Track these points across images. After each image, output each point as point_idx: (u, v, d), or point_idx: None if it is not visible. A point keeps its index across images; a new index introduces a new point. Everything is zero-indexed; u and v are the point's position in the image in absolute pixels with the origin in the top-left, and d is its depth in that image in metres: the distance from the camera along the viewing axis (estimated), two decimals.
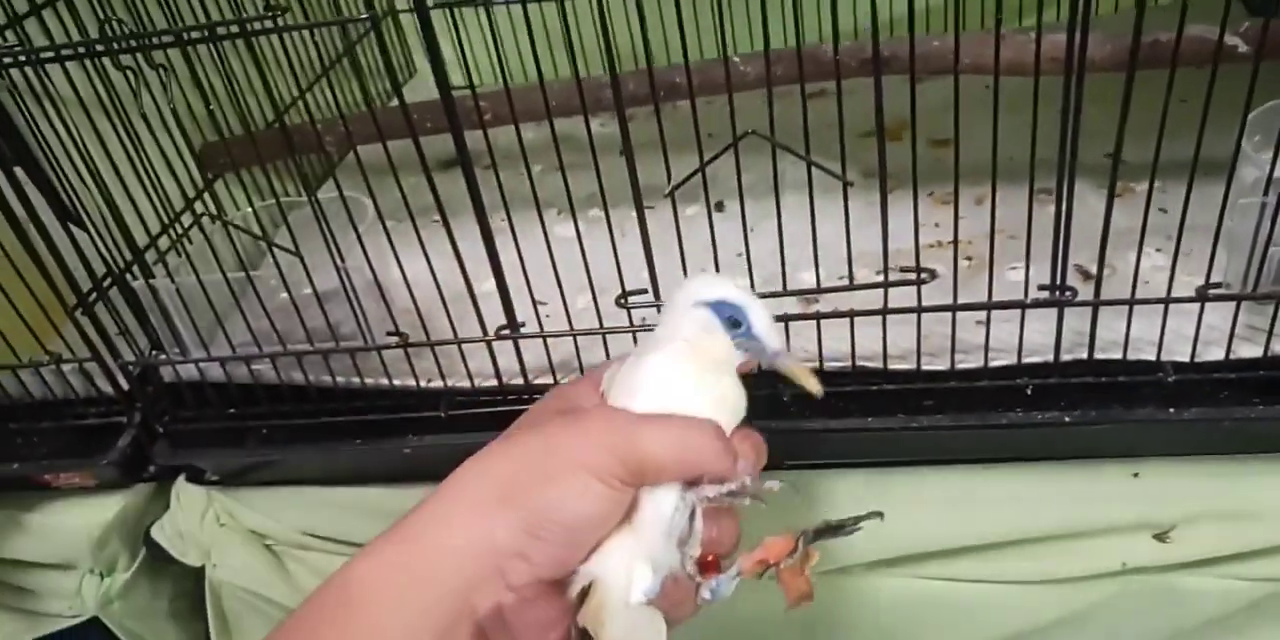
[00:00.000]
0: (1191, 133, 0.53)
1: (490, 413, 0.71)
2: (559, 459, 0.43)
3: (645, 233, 0.62)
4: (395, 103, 0.65)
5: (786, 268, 0.63)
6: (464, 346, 0.70)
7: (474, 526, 0.42)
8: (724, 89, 0.61)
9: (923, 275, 0.61)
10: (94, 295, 0.71)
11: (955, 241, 0.62)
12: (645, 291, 0.63)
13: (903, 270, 0.60)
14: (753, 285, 0.62)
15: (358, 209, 0.72)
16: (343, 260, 0.67)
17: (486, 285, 0.66)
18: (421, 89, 1.24)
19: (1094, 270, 0.72)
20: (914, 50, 0.58)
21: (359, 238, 0.68)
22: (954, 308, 0.64)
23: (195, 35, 0.60)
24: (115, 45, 0.60)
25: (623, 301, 0.64)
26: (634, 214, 0.60)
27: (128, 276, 0.71)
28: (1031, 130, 0.55)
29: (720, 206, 0.80)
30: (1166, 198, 0.60)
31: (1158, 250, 0.71)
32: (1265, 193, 0.57)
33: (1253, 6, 1.11)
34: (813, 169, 0.57)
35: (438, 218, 0.62)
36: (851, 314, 0.65)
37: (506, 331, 0.68)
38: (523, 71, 1.08)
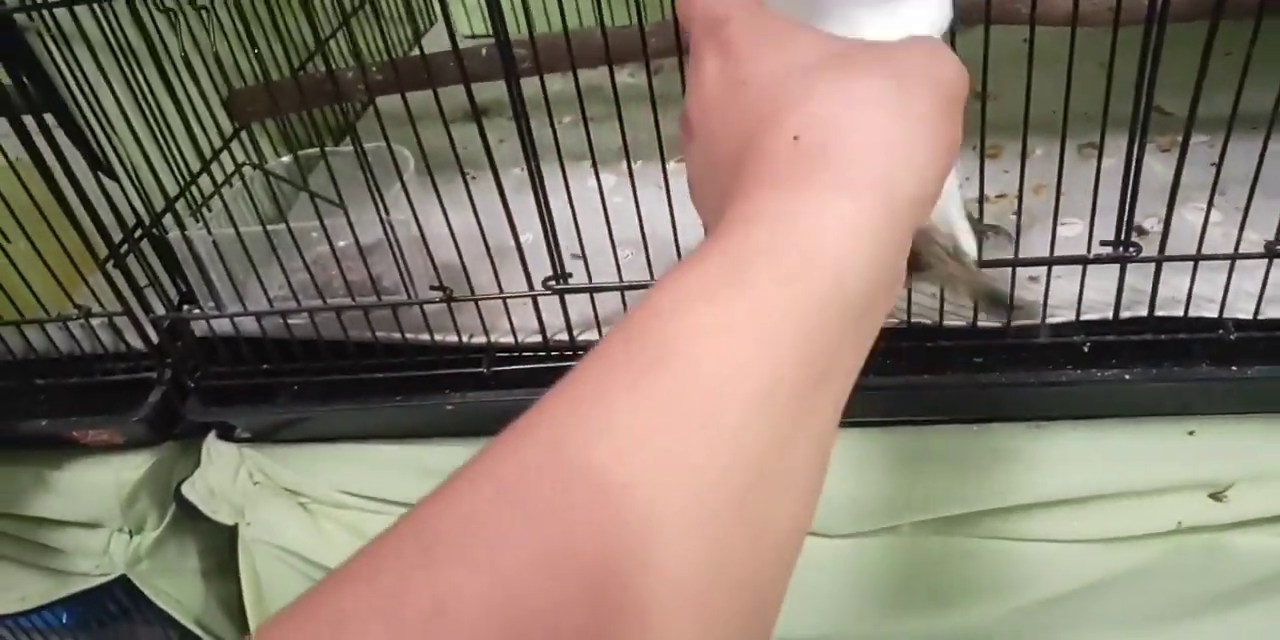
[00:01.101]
0: (1232, 86, 0.52)
1: (533, 369, 0.70)
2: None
3: (668, 188, 0.60)
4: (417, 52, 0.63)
5: None
6: (509, 301, 0.69)
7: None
8: None
9: (988, 233, 0.60)
10: (125, 246, 0.70)
11: (1021, 193, 0.61)
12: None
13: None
14: None
15: (399, 159, 0.70)
16: (387, 211, 0.65)
17: (528, 237, 0.65)
18: (436, 39, 1.22)
19: (1148, 227, 0.72)
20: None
21: (405, 188, 0.67)
22: (1014, 263, 0.63)
23: None
24: None
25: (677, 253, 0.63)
26: (670, 164, 0.59)
27: (160, 227, 0.69)
28: (1066, 83, 0.53)
29: None
30: (1214, 151, 0.59)
31: (1210, 206, 0.70)
32: None
33: None
34: None
35: (470, 171, 0.60)
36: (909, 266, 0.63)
37: (553, 283, 0.67)
38: (546, 21, 1.07)
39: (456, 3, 1.20)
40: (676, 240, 0.62)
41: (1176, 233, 0.60)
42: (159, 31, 0.62)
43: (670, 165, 0.60)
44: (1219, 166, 0.57)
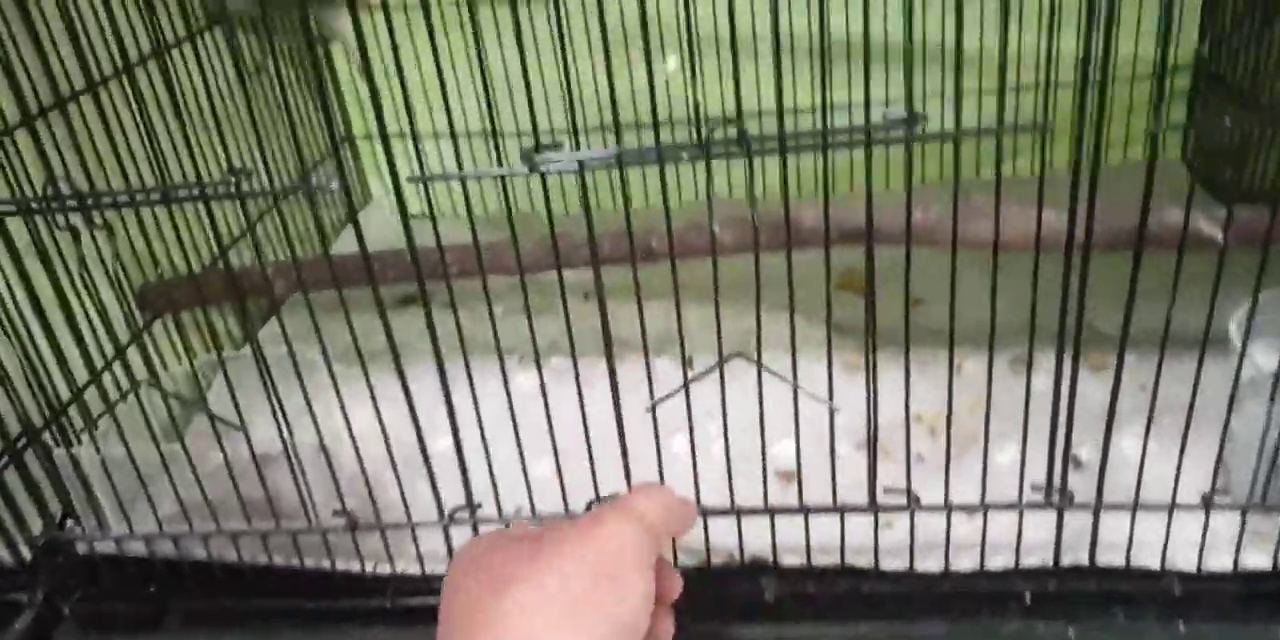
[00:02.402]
0: (1159, 299, 0.52)
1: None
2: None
3: (616, 388, 0.57)
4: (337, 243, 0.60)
5: (765, 442, 0.59)
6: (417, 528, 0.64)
7: None
8: (703, 253, 0.58)
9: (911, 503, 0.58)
10: (4, 458, 0.65)
11: (948, 433, 0.58)
12: (612, 496, 0.59)
13: (887, 491, 0.58)
14: (729, 456, 0.59)
15: (305, 362, 0.67)
16: (288, 426, 0.62)
17: (443, 444, 0.60)
18: (375, 216, 1.21)
19: (1082, 455, 0.70)
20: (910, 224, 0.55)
21: (307, 399, 0.63)
22: (947, 508, 0.60)
23: (148, 198, 0.56)
24: (56, 205, 0.55)
25: (593, 504, 0.60)
26: (603, 365, 0.57)
27: (52, 434, 0.65)
28: (992, 296, 0.52)
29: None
30: (1144, 370, 0.57)
31: (1147, 435, 0.68)
32: (1272, 397, 0.54)
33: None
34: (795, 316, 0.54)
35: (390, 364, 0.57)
36: (841, 509, 0.60)
37: (463, 514, 0.63)
38: (482, 205, 1.06)
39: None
40: (624, 444, 0.59)
41: (1114, 464, 0.58)
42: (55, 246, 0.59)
43: (603, 366, 0.57)
44: (1154, 391, 0.55)
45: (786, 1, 1.04)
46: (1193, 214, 0.66)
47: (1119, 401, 0.55)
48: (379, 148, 0.52)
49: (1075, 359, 0.54)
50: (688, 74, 0.50)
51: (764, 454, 0.59)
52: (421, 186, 0.53)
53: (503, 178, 0.52)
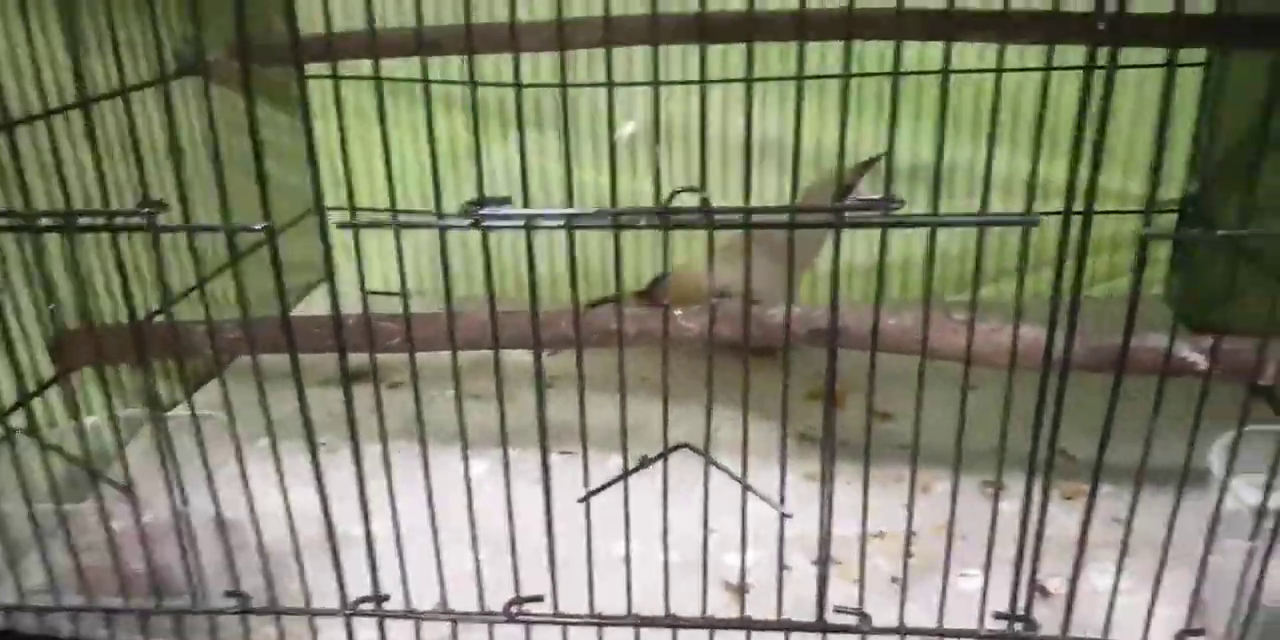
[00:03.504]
0: (1136, 430, 0.49)
1: None
2: None
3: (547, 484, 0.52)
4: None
5: (710, 548, 0.54)
6: (316, 619, 0.58)
7: None
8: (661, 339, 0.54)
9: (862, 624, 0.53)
10: None
11: (906, 552, 0.54)
12: (540, 599, 0.53)
13: (838, 610, 0.53)
14: (667, 567, 0.53)
15: (213, 430, 0.61)
16: (184, 497, 0.55)
17: (357, 530, 0.55)
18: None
19: (1051, 587, 0.65)
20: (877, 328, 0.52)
21: (207, 467, 0.57)
22: (901, 631, 0.55)
23: (48, 222, 0.51)
24: None
25: (515, 608, 0.54)
26: (551, 456, 0.52)
27: None
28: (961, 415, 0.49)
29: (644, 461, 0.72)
30: (1119, 505, 0.54)
31: (1119, 572, 0.64)
32: (1254, 534, 0.50)
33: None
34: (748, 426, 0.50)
35: (325, 439, 0.52)
36: (787, 626, 0.55)
37: (369, 605, 0.56)
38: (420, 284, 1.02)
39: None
40: (551, 540, 0.53)
41: (1085, 595, 0.54)
42: None
43: (553, 457, 0.52)
44: (1128, 525, 0.51)
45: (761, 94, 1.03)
46: (1176, 342, 0.64)
47: (1091, 532, 0.52)
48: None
49: (1045, 486, 0.50)
50: (649, 138, 0.47)
51: (705, 559, 0.54)
52: (354, 239, 0.49)
53: (442, 232, 0.48)
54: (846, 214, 0.46)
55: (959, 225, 0.46)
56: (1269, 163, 0.46)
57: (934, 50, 0.45)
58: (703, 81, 0.50)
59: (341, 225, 0.50)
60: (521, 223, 0.47)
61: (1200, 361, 0.65)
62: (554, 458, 0.53)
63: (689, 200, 0.45)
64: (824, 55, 1.00)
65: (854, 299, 1.08)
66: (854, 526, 0.55)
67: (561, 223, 0.47)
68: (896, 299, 1.14)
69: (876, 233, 0.46)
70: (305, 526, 0.55)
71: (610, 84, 0.47)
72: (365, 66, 0.52)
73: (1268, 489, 0.49)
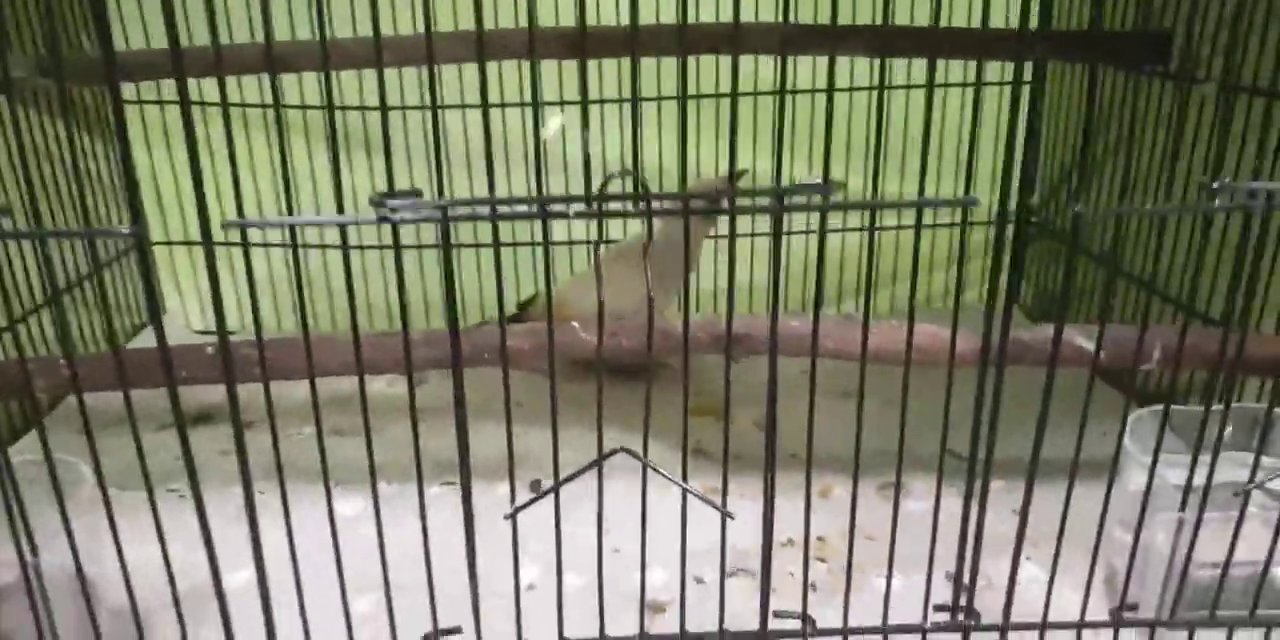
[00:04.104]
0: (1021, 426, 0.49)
1: None
2: None
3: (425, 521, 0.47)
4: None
5: (622, 569, 0.51)
6: None
7: None
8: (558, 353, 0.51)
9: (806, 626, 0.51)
10: None
11: (850, 557, 0.52)
12: (459, 630, 0.48)
13: (777, 614, 0.51)
14: (601, 589, 0.49)
15: (69, 474, 0.53)
16: (34, 549, 0.48)
17: (235, 578, 0.48)
18: (169, 329, 1.08)
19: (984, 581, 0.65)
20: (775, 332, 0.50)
21: (65, 516, 0.49)
22: (845, 631, 0.52)
23: None
24: None
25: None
26: (432, 489, 0.47)
27: None
28: (858, 418, 0.48)
29: (536, 486, 0.68)
30: (1017, 498, 0.54)
31: (1027, 559, 0.64)
32: (1182, 507, 0.51)
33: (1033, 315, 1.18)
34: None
35: (178, 487, 0.45)
36: (726, 635, 0.52)
37: None
38: (276, 319, 0.95)
39: (189, 294, 1.07)
40: (473, 567, 0.48)
41: (1001, 589, 0.53)
42: None
43: (433, 489, 0.47)
44: (1063, 518, 0.51)
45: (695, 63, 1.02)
46: (1067, 330, 0.65)
47: (999, 526, 0.51)
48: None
49: (985, 484, 0.49)
50: (579, 124, 0.45)
51: (643, 580, 0.50)
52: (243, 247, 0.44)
53: (343, 230, 0.43)
54: (785, 199, 0.44)
55: (899, 206, 0.46)
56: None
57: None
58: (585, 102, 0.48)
59: (227, 224, 0.44)
60: (438, 216, 0.43)
61: (1090, 348, 0.67)
62: (434, 489, 0.49)
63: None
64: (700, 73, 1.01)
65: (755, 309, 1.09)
66: (759, 537, 0.53)
67: (485, 213, 0.44)
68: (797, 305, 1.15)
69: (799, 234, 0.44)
70: (156, 580, 0.48)
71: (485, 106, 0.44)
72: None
73: (1194, 463, 0.49)
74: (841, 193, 0.43)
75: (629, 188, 0.43)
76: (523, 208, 0.43)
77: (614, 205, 0.43)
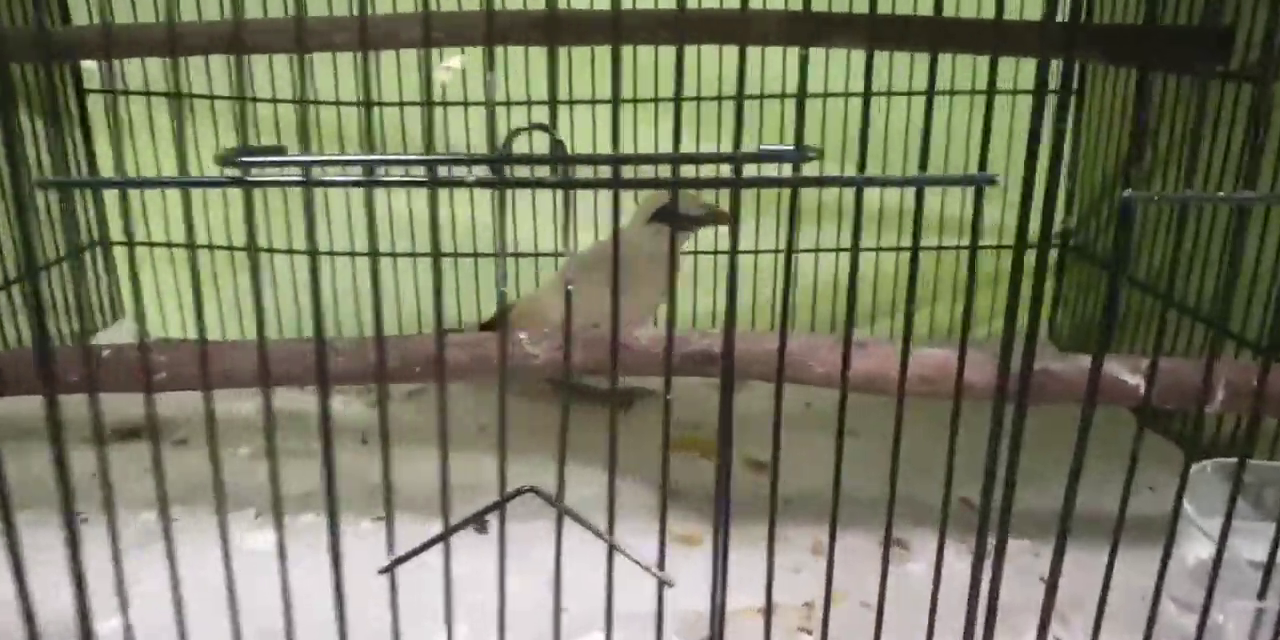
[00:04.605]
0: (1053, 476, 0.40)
1: None
2: None
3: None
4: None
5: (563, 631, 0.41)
6: None
7: None
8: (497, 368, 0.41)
9: None
10: None
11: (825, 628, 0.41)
12: None
13: None
14: None
15: None
16: None
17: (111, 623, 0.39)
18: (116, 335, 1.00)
19: None
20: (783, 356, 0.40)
21: None
22: None
23: None
24: None
25: None
26: (363, 524, 0.38)
27: None
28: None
29: (482, 527, 0.57)
30: (1040, 561, 0.44)
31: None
32: (1262, 594, 0.39)
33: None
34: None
35: (83, 511, 0.37)
36: None
37: None
38: (221, 325, 0.87)
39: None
40: (342, 622, 0.38)
41: None
42: None
43: (365, 524, 0.38)
44: (1106, 586, 0.41)
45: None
46: (1107, 362, 0.55)
47: (1013, 594, 0.41)
48: None
49: (1003, 540, 0.39)
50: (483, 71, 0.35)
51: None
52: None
53: (186, 191, 0.34)
54: (747, 169, 0.34)
55: (892, 185, 0.35)
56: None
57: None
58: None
59: (40, 183, 0.35)
60: (300, 176, 0.33)
61: (1139, 384, 0.56)
62: (365, 524, 0.39)
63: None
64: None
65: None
66: (742, 598, 0.43)
67: (358, 175, 0.34)
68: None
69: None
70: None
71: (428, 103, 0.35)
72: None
73: (1279, 536, 0.38)
74: (817, 165, 0.33)
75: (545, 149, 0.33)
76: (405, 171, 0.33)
77: (525, 173, 0.33)
